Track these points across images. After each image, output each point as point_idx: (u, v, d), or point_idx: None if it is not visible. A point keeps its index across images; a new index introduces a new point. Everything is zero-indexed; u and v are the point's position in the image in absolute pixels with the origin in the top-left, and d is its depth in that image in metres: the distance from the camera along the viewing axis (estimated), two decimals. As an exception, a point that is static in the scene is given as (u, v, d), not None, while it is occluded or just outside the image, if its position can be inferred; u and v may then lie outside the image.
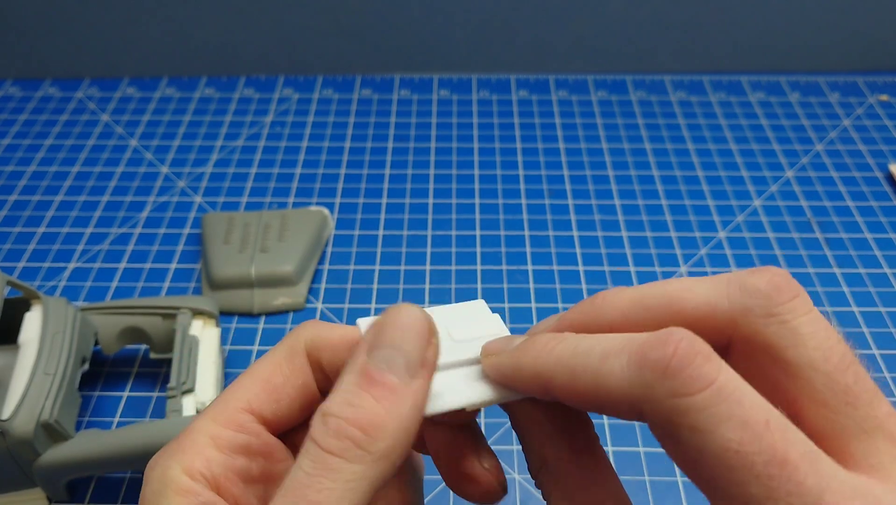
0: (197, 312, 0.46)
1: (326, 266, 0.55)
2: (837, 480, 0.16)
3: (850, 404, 0.17)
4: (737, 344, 0.19)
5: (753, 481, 0.15)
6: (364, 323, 0.22)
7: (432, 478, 0.42)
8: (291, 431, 0.24)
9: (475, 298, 0.52)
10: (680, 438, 0.16)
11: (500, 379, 0.21)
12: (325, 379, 0.23)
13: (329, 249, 0.56)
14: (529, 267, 0.55)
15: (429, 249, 0.56)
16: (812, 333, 0.18)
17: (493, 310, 0.50)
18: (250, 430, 0.22)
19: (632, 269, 0.54)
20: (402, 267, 0.55)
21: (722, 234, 0.57)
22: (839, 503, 0.15)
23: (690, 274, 0.54)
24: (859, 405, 0.17)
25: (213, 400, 0.23)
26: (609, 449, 0.43)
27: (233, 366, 0.48)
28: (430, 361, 0.20)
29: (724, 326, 0.19)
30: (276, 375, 0.22)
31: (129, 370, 0.48)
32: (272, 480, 0.22)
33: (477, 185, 0.62)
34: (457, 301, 0.52)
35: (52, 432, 0.38)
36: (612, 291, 0.21)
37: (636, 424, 0.44)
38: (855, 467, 0.17)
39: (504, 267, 0.55)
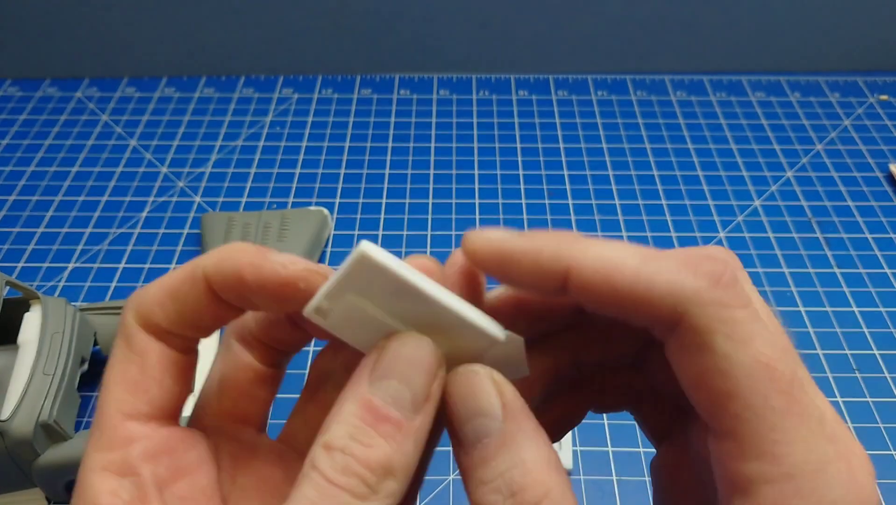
0: (196, 312, 0.46)
1: (326, 266, 0.55)
2: (827, 413, 0.17)
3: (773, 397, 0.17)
4: (682, 328, 0.18)
5: (776, 395, 0.17)
6: (372, 260, 0.19)
7: (433, 478, 0.42)
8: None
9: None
10: (715, 347, 0.17)
11: (499, 266, 0.19)
12: (172, 338, 0.21)
13: (329, 249, 0.56)
14: (529, 267, 0.55)
15: (429, 250, 0.56)
16: (747, 332, 0.17)
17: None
18: (136, 435, 0.20)
19: (632, 269, 0.54)
20: (402, 267, 0.55)
21: (722, 234, 0.57)
22: (837, 429, 0.17)
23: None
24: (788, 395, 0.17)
25: (91, 427, 0.21)
26: (608, 449, 0.43)
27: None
28: (435, 396, 0.19)
29: (674, 310, 0.18)
30: (127, 369, 0.21)
31: (128, 370, 0.48)
32: (190, 472, 0.21)
33: (477, 185, 0.62)
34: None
35: (51, 432, 0.38)
36: (570, 237, 0.20)
37: (635, 425, 0.44)
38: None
39: (504, 267, 0.55)
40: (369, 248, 0.18)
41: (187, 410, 0.39)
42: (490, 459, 0.18)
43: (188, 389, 0.22)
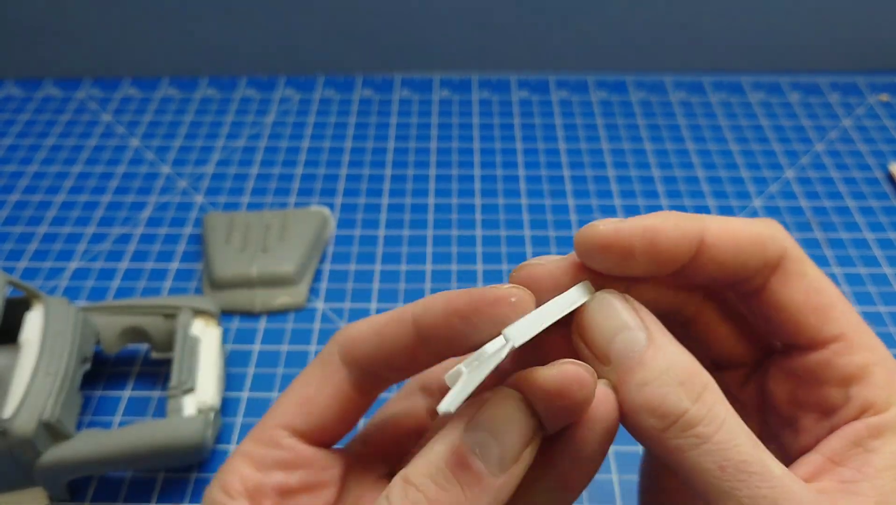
0: (198, 312, 0.46)
1: (327, 266, 0.55)
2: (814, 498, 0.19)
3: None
4: (785, 263, 0.22)
5: (850, 305, 0.22)
6: (453, 380, 0.19)
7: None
8: (341, 438, 0.24)
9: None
10: (808, 272, 0.23)
11: (622, 242, 0.21)
12: (363, 375, 0.23)
13: (330, 249, 0.57)
14: (530, 267, 0.55)
15: (429, 249, 0.56)
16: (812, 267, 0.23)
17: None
18: (284, 444, 0.22)
19: (632, 269, 0.54)
20: (403, 267, 0.55)
21: (722, 234, 0.57)
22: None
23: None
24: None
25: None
26: (608, 449, 0.43)
27: (234, 365, 0.48)
28: (525, 461, 0.19)
29: (768, 256, 0.22)
30: (308, 387, 0.23)
31: (130, 370, 0.48)
32: (318, 488, 0.23)
33: (477, 185, 0.62)
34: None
35: (53, 432, 0.38)
36: (704, 216, 0.22)
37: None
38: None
39: (504, 267, 0.55)
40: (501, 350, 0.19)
41: (190, 410, 0.39)
42: (648, 361, 0.20)
43: (347, 426, 0.24)
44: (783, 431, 0.23)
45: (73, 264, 0.55)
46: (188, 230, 0.58)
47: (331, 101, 0.72)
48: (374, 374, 0.23)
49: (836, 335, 0.21)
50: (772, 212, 0.59)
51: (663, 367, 0.19)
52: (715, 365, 0.25)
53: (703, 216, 0.21)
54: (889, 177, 0.63)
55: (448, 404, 0.18)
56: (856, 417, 0.20)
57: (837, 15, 0.72)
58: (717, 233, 0.21)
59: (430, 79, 0.75)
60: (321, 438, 0.23)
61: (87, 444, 0.38)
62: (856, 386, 0.20)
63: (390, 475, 0.23)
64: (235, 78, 0.75)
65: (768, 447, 0.19)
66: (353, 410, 0.24)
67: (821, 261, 0.55)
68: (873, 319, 0.51)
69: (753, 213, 0.59)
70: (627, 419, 0.20)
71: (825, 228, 0.58)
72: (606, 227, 0.21)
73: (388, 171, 0.64)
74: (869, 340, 0.21)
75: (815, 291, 0.21)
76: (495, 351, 0.19)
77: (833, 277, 0.54)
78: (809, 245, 0.56)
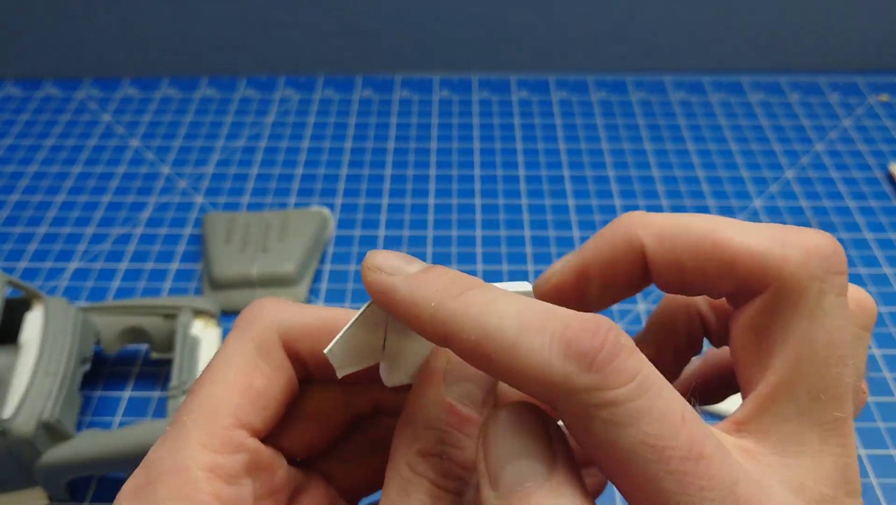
0: (198, 312, 0.46)
1: (327, 266, 0.55)
2: (745, 471, 0.16)
3: (811, 397, 0.17)
4: (766, 295, 0.18)
5: (667, 477, 0.15)
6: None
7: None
8: (277, 436, 0.22)
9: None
10: (594, 431, 0.15)
11: (383, 304, 0.18)
12: (302, 368, 0.21)
13: (330, 249, 0.57)
14: (530, 267, 0.55)
15: (429, 249, 0.56)
16: (834, 317, 0.17)
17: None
18: (248, 448, 0.19)
19: (632, 269, 0.54)
20: (403, 267, 0.55)
21: (722, 234, 0.57)
22: (752, 492, 0.15)
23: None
24: (818, 401, 0.17)
25: (187, 418, 0.19)
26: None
27: (233, 366, 0.48)
28: (495, 384, 0.20)
29: (767, 273, 0.18)
30: (256, 378, 0.20)
31: (130, 370, 0.48)
32: (275, 493, 0.21)
33: (477, 186, 0.62)
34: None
35: (53, 432, 0.38)
36: (641, 213, 0.20)
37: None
38: (770, 449, 0.17)
39: (505, 267, 0.55)
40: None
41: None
42: (534, 502, 0.17)
43: (294, 428, 0.22)
44: None
45: (73, 265, 0.55)
46: (188, 230, 0.58)
47: (331, 101, 0.72)
48: (305, 368, 0.21)
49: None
50: (772, 212, 0.59)
51: None
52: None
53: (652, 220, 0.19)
54: (889, 177, 0.63)
55: (331, 345, 0.19)
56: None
57: (837, 15, 0.72)
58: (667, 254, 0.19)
59: (430, 79, 0.75)
60: (266, 434, 0.21)
61: (87, 444, 0.38)
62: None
63: (308, 470, 0.23)
64: (235, 78, 0.75)
65: None
66: (290, 404, 0.22)
67: (821, 261, 0.55)
68: (873, 319, 0.51)
69: (754, 213, 0.59)
70: None
71: (825, 228, 0.58)
72: (548, 279, 0.21)
73: (388, 172, 0.64)
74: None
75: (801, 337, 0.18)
76: (370, 303, 0.19)
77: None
78: (809, 245, 0.56)
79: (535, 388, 0.16)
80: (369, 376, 0.21)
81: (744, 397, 0.18)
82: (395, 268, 0.18)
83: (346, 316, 0.21)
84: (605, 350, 0.15)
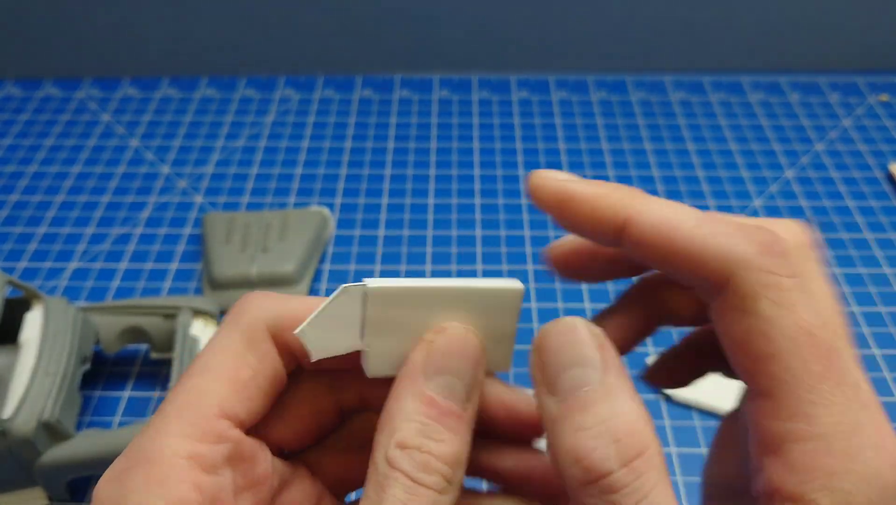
0: (198, 312, 0.46)
1: (327, 266, 0.55)
2: (865, 379, 0.18)
3: (825, 385, 0.18)
4: (731, 290, 0.19)
5: (815, 359, 0.17)
6: (374, 286, 0.20)
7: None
8: (264, 428, 0.22)
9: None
10: (759, 311, 0.18)
11: (561, 207, 0.20)
12: (291, 360, 0.21)
13: (330, 249, 0.57)
14: (530, 267, 0.55)
15: (429, 249, 0.56)
16: (803, 303, 0.18)
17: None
18: (231, 438, 0.19)
19: (632, 269, 0.54)
20: (403, 267, 0.55)
21: (722, 234, 0.57)
22: (869, 398, 0.17)
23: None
24: (838, 386, 0.18)
25: (170, 407, 0.19)
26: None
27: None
28: (481, 382, 0.20)
29: (724, 271, 0.19)
30: (242, 368, 0.20)
31: (129, 370, 0.48)
32: (257, 485, 0.21)
33: (477, 186, 0.62)
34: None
35: (53, 432, 0.38)
36: (634, 193, 0.21)
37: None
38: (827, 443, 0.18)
39: (504, 267, 0.55)
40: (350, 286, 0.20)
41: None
42: (591, 406, 0.18)
43: (281, 419, 0.22)
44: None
45: (73, 264, 0.55)
46: (188, 230, 0.58)
47: (331, 101, 0.72)
48: (295, 359, 0.22)
49: (765, 392, 0.18)
50: (772, 212, 0.59)
51: (605, 416, 0.18)
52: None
53: (650, 201, 0.20)
54: (889, 177, 0.63)
55: (302, 326, 0.20)
56: (767, 497, 0.17)
57: (837, 15, 0.72)
58: (645, 225, 0.19)
59: (430, 79, 0.75)
60: (251, 425, 0.21)
61: (86, 444, 0.38)
62: (769, 459, 0.17)
63: (293, 463, 0.23)
64: (235, 78, 0.75)
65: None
66: (278, 396, 0.22)
67: (821, 261, 0.55)
68: (873, 319, 0.51)
69: (753, 213, 0.59)
70: (553, 458, 0.18)
71: (825, 228, 0.58)
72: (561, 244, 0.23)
73: (388, 171, 0.64)
74: (809, 407, 0.17)
75: (758, 334, 0.18)
76: (342, 288, 0.20)
77: (833, 277, 0.54)
78: (809, 245, 0.56)
79: (712, 267, 0.18)
80: (353, 366, 0.22)
81: (749, 388, 0.19)
82: (567, 177, 0.21)
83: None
84: (781, 244, 0.18)
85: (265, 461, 0.21)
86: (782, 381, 0.17)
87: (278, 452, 0.22)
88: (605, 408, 0.18)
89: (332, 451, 0.24)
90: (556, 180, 0.20)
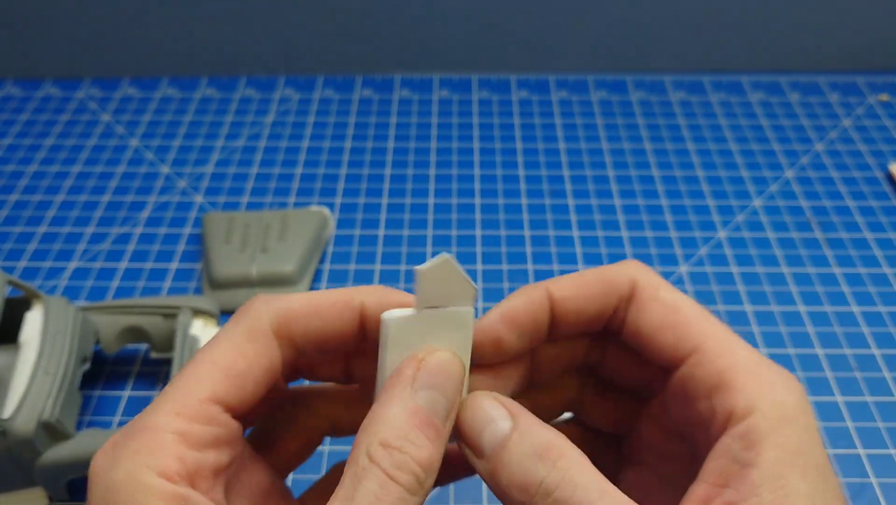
0: (198, 312, 0.46)
1: (327, 266, 0.55)
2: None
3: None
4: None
5: (706, 314, 0.23)
6: (391, 322, 0.22)
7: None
8: (253, 414, 0.23)
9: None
10: (662, 295, 0.23)
11: (489, 342, 0.24)
12: (294, 353, 0.23)
13: (330, 249, 0.57)
14: (530, 267, 0.55)
15: (429, 249, 0.56)
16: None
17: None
18: (220, 421, 0.21)
19: (632, 268, 0.54)
20: (403, 267, 0.55)
21: (722, 234, 0.57)
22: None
23: (691, 274, 0.54)
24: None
25: (168, 390, 0.21)
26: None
27: (233, 365, 0.48)
28: (458, 405, 0.22)
29: (628, 283, 0.24)
30: (238, 359, 0.22)
31: (129, 370, 0.48)
32: (242, 468, 0.23)
33: (477, 185, 0.62)
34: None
35: (52, 432, 0.38)
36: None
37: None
38: None
39: (504, 267, 0.55)
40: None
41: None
42: (512, 445, 0.21)
43: (268, 407, 0.24)
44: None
45: (73, 264, 0.55)
46: (188, 230, 0.58)
47: (330, 101, 0.72)
48: (302, 354, 0.23)
49: (692, 348, 0.22)
50: (772, 212, 0.59)
51: (525, 446, 0.20)
52: (638, 394, 0.26)
53: (546, 282, 0.23)
54: (889, 177, 0.63)
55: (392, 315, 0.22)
56: (723, 430, 0.20)
57: (837, 15, 0.72)
58: (562, 291, 0.23)
59: (430, 79, 0.75)
60: (248, 416, 0.22)
61: (86, 444, 0.38)
62: (717, 396, 0.21)
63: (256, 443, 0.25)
64: (235, 78, 0.75)
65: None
66: (276, 391, 0.23)
67: (821, 261, 0.55)
68: (873, 320, 0.51)
69: (753, 213, 0.59)
70: (503, 501, 0.21)
71: (825, 228, 0.58)
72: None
73: (388, 171, 0.64)
74: (727, 346, 0.21)
75: (669, 311, 0.22)
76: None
77: (833, 277, 0.54)
78: (809, 245, 0.56)
79: (623, 285, 0.23)
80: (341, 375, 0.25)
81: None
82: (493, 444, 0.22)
83: (334, 296, 0.23)
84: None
85: (240, 444, 0.23)
86: (705, 333, 0.22)
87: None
88: (523, 441, 0.20)
89: (281, 433, 0.26)
90: (493, 321, 0.24)
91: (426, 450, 0.20)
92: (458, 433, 0.22)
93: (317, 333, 0.23)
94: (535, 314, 0.23)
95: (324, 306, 0.23)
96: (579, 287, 0.23)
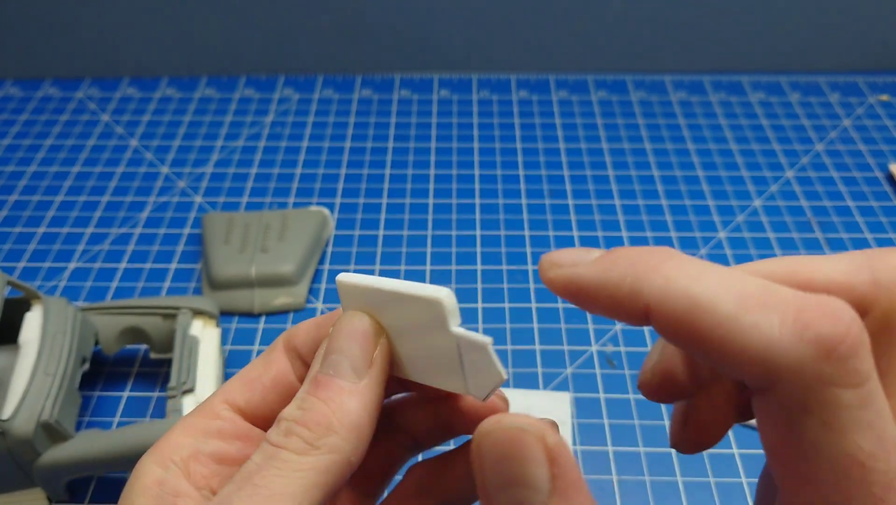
0: (197, 312, 0.46)
1: (327, 266, 0.55)
2: None
3: None
4: (868, 321, 0.17)
5: (864, 499, 0.14)
6: (345, 282, 0.22)
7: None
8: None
9: (475, 298, 0.52)
10: (805, 429, 0.14)
11: (574, 298, 0.18)
12: (301, 365, 0.24)
13: (329, 249, 0.56)
14: (529, 267, 0.55)
15: (429, 249, 0.56)
16: (849, 427, 0.15)
17: (492, 309, 0.50)
18: (223, 416, 0.22)
19: (632, 269, 0.54)
20: (403, 267, 0.55)
21: (722, 235, 0.57)
22: None
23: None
24: None
25: None
26: (608, 449, 0.43)
27: (233, 366, 0.48)
28: (379, 362, 0.21)
29: (863, 299, 0.17)
30: (252, 371, 0.23)
31: (129, 370, 0.48)
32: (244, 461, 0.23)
33: (477, 185, 0.62)
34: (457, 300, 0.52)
35: (52, 432, 0.38)
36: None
37: (636, 425, 0.44)
38: None
39: (504, 267, 0.55)
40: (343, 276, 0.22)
41: (189, 410, 0.39)
42: None
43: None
44: None
45: (73, 264, 0.55)
46: (187, 230, 0.58)
47: (330, 101, 0.72)
48: (306, 362, 0.24)
49: None
50: (772, 212, 0.59)
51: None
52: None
53: (674, 277, 0.16)
54: (889, 177, 0.63)
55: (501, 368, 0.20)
56: None
57: (837, 15, 0.72)
58: (669, 314, 0.16)
59: (430, 79, 0.75)
60: (260, 418, 0.23)
61: (86, 444, 0.38)
62: None
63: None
64: (234, 78, 0.75)
65: None
66: (290, 396, 0.24)
67: (821, 261, 0.55)
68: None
69: (754, 213, 0.59)
70: None
71: (825, 229, 0.58)
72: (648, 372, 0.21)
73: (388, 171, 0.64)
74: None
75: (800, 455, 0.15)
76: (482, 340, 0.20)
77: None
78: (810, 245, 0.56)
79: (752, 369, 0.14)
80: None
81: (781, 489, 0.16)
82: (574, 260, 0.18)
83: (336, 312, 0.24)
84: (849, 341, 0.14)
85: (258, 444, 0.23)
86: None
87: None
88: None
89: None
90: (564, 271, 0.18)
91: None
92: (475, 462, 0.17)
93: (314, 342, 0.23)
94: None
95: (324, 318, 0.24)
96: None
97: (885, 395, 0.15)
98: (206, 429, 0.22)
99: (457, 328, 0.20)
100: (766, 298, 0.15)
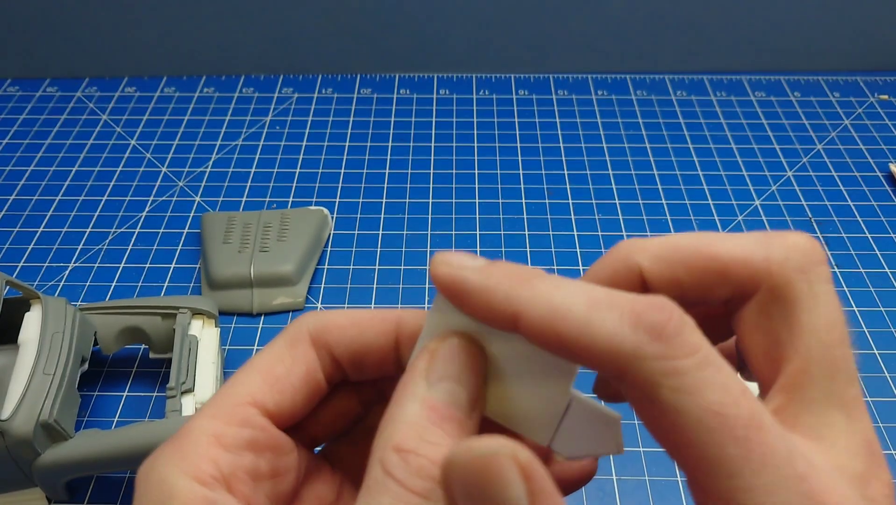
0: (196, 312, 0.46)
1: (326, 266, 0.55)
2: (797, 446, 0.17)
3: (828, 378, 0.18)
4: (760, 295, 0.20)
5: (732, 442, 0.16)
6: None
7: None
8: (297, 423, 0.23)
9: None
10: (661, 400, 0.16)
11: (454, 295, 0.19)
12: (332, 364, 0.22)
13: (329, 249, 0.56)
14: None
15: (429, 249, 0.56)
16: (826, 302, 0.19)
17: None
18: (256, 424, 0.20)
19: (632, 268, 0.54)
20: (402, 267, 0.55)
21: (722, 234, 0.57)
22: (805, 465, 0.16)
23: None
24: (835, 381, 0.18)
25: (211, 398, 0.21)
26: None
27: (232, 366, 0.48)
28: (483, 393, 0.20)
29: (756, 274, 0.20)
30: (277, 365, 0.22)
31: (128, 370, 0.48)
32: (280, 475, 0.21)
33: (477, 185, 0.62)
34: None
35: (51, 432, 0.38)
36: (633, 239, 0.22)
37: (636, 424, 0.44)
38: (802, 435, 0.18)
39: (504, 267, 0.55)
40: None
41: (189, 410, 0.39)
42: None
43: (305, 413, 0.23)
44: None
45: (72, 264, 0.55)
46: (186, 230, 0.58)
47: (330, 101, 0.72)
48: (337, 365, 0.22)
49: (691, 479, 0.18)
50: (773, 211, 0.59)
51: None
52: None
53: (539, 291, 0.18)
54: (889, 177, 0.63)
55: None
56: None
57: (838, 15, 0.72)
58: (534, 321, 0.18)
59: (430, 78, 0.75)
60: (286, 421, 0.22)
61: (85, 444, 0.38)
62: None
63: (317, 456, 0.24)
64: (234, 78, 0.75)
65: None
66: (317, 397, 0.23)
67: (821, 261, 0.55)
68: (873, 319, 0.51)
69: (754, 213, 0.59)
70: None
71: (825, 228, 0.58)
72: None
73: (387, 171, 0.64)
74: (734, 495, 0.16)
75: (668, 425, 0.17)
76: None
77: (833, 276, 0.54)
78: (810, 245, 0.56)
79: (604, 359, 0.17)
80: (391, 373, 0.23)
81: (763, 393, 0.20)
82: (462, 263, 0.19)
83: (375, 311, 0.22)
84: (673, 323, 0.17)
85: (291, 454, 0.22)
86: (703, 470, 0.16)
87: (308, 446, 0.24)
88: (441, 435, 0.18)
89: (350, 442, 0.25)
90: (452, 270, 0.19)
91: (445, 447, 0.18)
92: (444, 482, 0.17)
93: (350, 343, 0.22)
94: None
95: (361, 317, 0.22)
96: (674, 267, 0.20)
97: (769, 358, 0.19)
98: (238, 440, 0.20)
99: (579, 393, 0.20)
100: (609, 301, 0.17)
